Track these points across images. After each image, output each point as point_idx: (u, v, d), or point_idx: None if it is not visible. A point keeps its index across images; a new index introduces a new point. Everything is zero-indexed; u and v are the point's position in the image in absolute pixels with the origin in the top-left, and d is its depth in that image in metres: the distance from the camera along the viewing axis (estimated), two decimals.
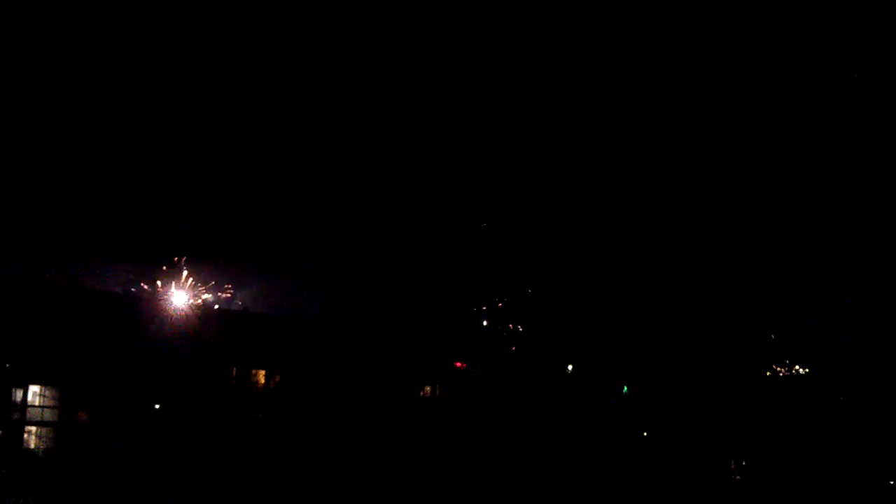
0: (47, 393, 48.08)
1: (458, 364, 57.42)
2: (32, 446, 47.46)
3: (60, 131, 52.75)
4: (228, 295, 54.71)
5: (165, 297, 53.03)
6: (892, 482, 60.15)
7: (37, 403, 47.40)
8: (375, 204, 59.49)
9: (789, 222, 61.38)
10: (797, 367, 63.86)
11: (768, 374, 63.55)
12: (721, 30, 57.59)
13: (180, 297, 53.52)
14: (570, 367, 59.97)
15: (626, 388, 60.92)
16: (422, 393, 57.09)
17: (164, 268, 52.07)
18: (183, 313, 52.21)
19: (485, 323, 59.53)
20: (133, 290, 52.26)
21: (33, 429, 47.48)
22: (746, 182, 61.13)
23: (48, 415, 48.11)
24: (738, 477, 61.78)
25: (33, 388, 47.42)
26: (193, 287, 53.97)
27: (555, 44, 58.41)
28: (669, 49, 58.26)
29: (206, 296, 54.22)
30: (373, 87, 58.40)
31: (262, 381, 52.45)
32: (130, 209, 53.74)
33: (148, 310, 51.30)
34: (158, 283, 52.19)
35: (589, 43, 58.62)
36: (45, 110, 52.19)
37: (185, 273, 52.99)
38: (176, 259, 52.19)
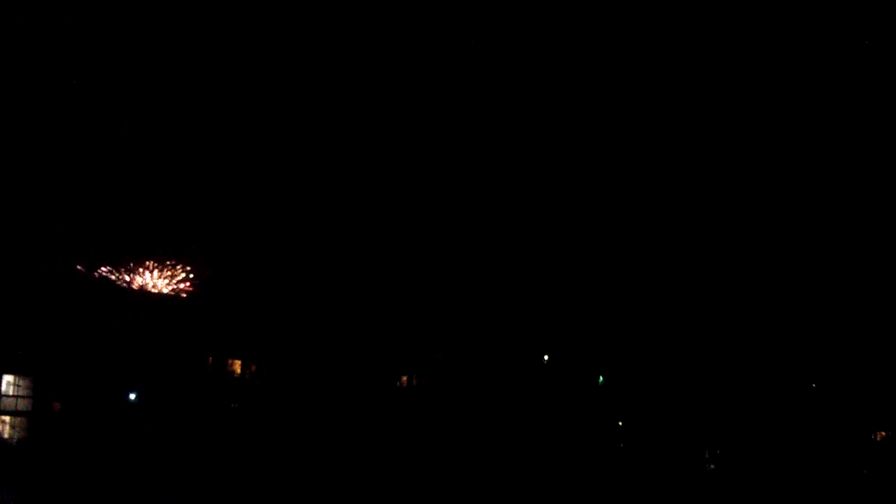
0: (21, 383, 47.96)
1: (437, 356, 57.66)
2: (6, 436, 47.45)
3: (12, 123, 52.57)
4: (195, 290, 54.53)
5: (140, 285, 52.86)
6: (864, 471, 61.08)
7: (10, 393, 47.37)
8: (352, 195, 59.61)
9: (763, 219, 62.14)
10: (770, 358, 64.62)
11: (742, 365, 64.29)
12: (721, 29, 57.99)
13: (155, 285, 53.35)
14: (545, 357, 60.38)
15: (601, 378, 61.33)
16: (398, 382, 57.24)
17: (133, 257, 52.05)
18: (158, 302, 52.09)
19: (462, 312, 59.91)
20: (107, 278, 52.08)
21: (7, 418, 47.34)
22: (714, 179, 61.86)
23: (22, 404, 48.02)
24: (711, 466, 62.44)
25: (7, 378, 47.29)
26: (167, 276, 53.90)
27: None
28: (666, 48, 58.61)
29: (180, 285, 54.13)
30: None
31: (238, 370, 52.40)
32: (98, 198, 53.69)
33: (122, 299, 51.24)
34: (129, 275, 52.09)
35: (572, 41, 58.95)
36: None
37: (152, 263, 52.88)
38: (143, 249, 52.13)
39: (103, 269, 51.64)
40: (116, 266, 51.84)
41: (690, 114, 61.14)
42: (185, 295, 53.94)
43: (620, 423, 60.12)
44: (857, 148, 59.14)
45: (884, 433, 62.18)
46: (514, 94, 60.79)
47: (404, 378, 57.39)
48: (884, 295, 61.07)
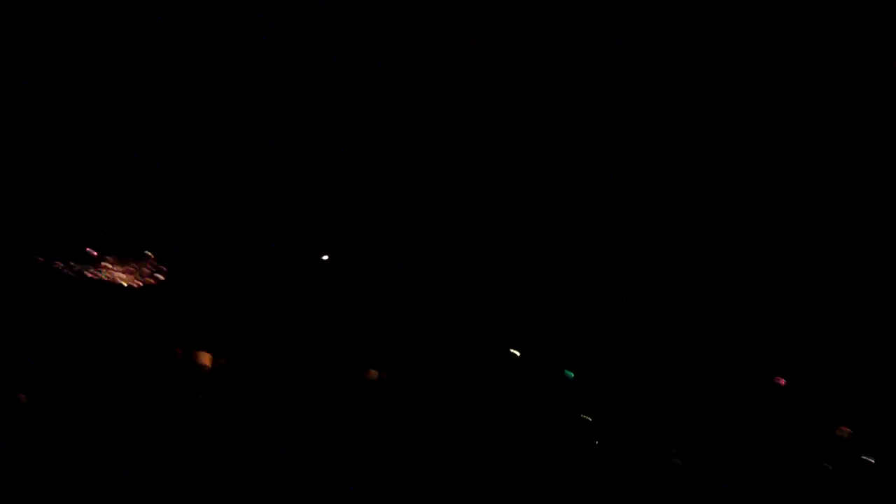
0: None
1: (407, 350, 57.50)
2: None
3: None
4: (162, 282, 53.84)
5: (103, 272, 52.21)
6: (829, 466, 61.94)
7: None
8: (321, 184, 59.21)
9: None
10: (737, 353, 65.26)
11: (710, 361, 64.90)
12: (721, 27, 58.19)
13: (119, 273, 52.74)
14: (517, 353, 60.52)
15: (571, 374, 61.62)
16: (366, 377, 57.00)
17: (98, 250, 51.37)
18: (124, 292, 51.51)
19: (431, 307, 59.84)
20: (71, 270, 51.40)
21: None
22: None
23: None
24: (678, 461, 62.98)
25: None
26: (132, 270, 53.35)
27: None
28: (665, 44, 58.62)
29: (147, 279, 53.56)
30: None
31: (209, 363, 51.82)
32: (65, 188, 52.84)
33: (88, 289, 50.65)
34: (94, 268, 51.37)
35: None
36: None
37: (114, 258, 52.27)
38: (108, 242, 51.44)
39: (68, 262, 51.18)
40: (81, 258, 51.37)
41: (653, 108, 61.94)
42: (150, 283, 53.50)
43: (590, 419, 60.68)
44: (857, 148, 60.18)
45: (848, 430, 63.58)
46: (479, 91, 61.10)
47: (374, 373, 57.30)
48: (852, 292, 62.43)
